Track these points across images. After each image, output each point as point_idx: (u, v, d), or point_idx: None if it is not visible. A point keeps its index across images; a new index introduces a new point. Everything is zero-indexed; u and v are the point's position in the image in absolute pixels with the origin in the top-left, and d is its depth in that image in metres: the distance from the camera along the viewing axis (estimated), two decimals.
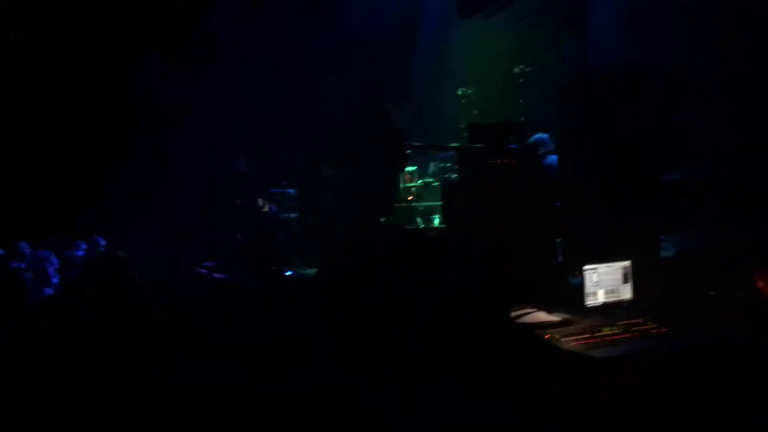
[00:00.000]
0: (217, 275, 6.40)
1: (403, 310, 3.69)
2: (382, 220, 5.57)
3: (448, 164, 6.75)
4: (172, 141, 9.04)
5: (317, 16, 9.12)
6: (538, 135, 5.55)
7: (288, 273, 5.79)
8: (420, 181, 6.88)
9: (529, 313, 3.64)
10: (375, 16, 8.54)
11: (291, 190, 7.42)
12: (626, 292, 3.55)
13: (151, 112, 9.13)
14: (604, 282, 3.54)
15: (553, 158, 5.28)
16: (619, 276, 3.56)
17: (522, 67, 6.54)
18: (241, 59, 9.35)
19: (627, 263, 3.57)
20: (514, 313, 3.59)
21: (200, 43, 9.17)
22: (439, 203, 6.21)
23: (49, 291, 4.70)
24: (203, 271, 6.61)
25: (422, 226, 6.39)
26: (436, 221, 6.33)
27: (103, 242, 6.32)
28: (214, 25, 9.26)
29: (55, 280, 5.05)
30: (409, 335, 3.55)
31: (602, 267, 3.55)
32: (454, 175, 6.41)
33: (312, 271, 5.47)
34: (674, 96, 4.77)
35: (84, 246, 6.11)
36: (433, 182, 6.81)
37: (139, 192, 8.69)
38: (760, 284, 3.54)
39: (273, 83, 9.13)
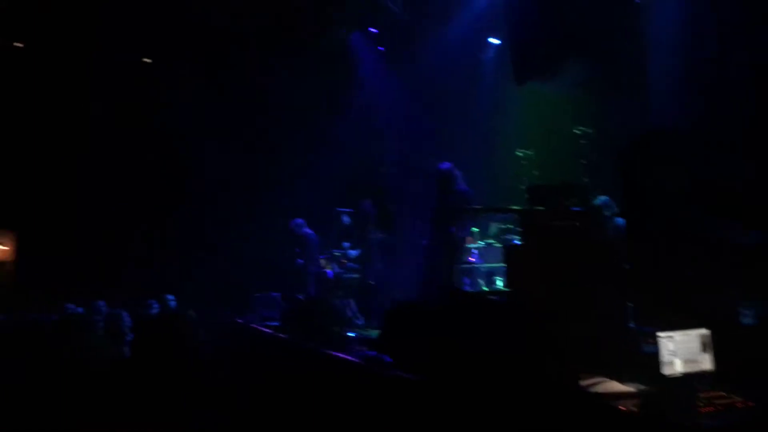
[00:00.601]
0: (280, 335, 6.48)
1: (466, 374, 3.64)
2: (444, 282, 5.56)
3: (509, 225, 6.74)
4: (238, 206, 9.39)
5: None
6: (605, 197, 5.48)
7: (351, 334, 5.81)
8: (482, 242, 6.88)
9: (600, 382, 3.52)
10: (434, 76, 8.79)
11: (352, 252, 7.53)
12: (706, 362, 3.38)
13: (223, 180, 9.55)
14: (682, 351, 3.37)
15: (620, 220, 5.20)
16: (697, 344, 3.40)
17: (582, 128, 6.52)
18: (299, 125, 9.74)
19: (705, 331, 3.41)
20: (584, 382, 3.48)
21: (268, 110, 9.62)
22: (501, 264, 6.17)
23: (124, 348, 4.87)
24: (267, 330, 6.70)
25: (484, 287, 6.35)
26: (499, 283, 6.27)
27: (173, 301, 6.55)
28: (282, 95, 9.70)
29: (128, 338, 5.24)
30: (472, 401, 3.49)
31: (678, 335, 3.40)
32: (516, 237, 6.38)
33: (375, 333, 5.49)
34: (733, 159, 4.66)
35: (156, 305, 6.34)
36: (494, 243, 6.79)
37: (205, 252, 8.99)
38: None
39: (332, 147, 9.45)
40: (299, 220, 8.04)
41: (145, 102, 9.59)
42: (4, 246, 11.15)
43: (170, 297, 6.54)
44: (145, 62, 9.53)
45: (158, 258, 8.85)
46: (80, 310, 5.81)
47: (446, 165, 6.18)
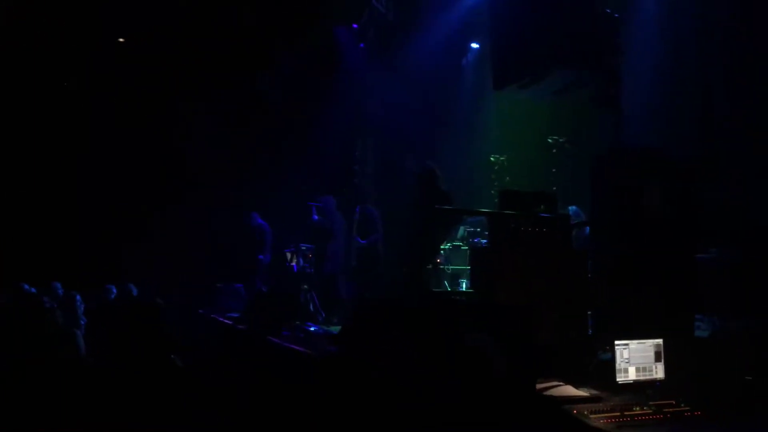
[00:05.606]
0: (240, 326, 6.40)
1: (425, 373, 3.62)
2: (413, 283, 5.53)
3: (477, 229, 6.75)
4: (206, 198, 9.24)
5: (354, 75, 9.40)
6: (574, 207, 5.52)
7: (312, 328, 5.77)
8: (448, 244, 6.87)
9: (556, 386, 3.54)
10: (415, 77, 8.77)
11: None
12: (658, 371, 3.43)
13: (194, 169, 9.39)
14: (636, 359, 3.42)
15: (586, 230, 5.24)
16: (651, 354, 3.45)
17: (556, 138, 6.58)
18: (282, 120, 9.62)
19: (659, 341, 3.46)
20: (540, 385, 3.49)
21: (245, 102, 9.49)
22: (467, 267, 6.17)
23: (78, 332, 4.74)
24: (227, 321, 6.62)
25: (449, 289, 6.34)
26: (464, 285, 6.28)
27: (135, 290, 6.41)
28: (262, 87, 9.58)
29: (82, 322, 5.12)
30: (428, 400, 3.47)
31: (634, 343, 3.45)
32: (484, 240, 6.39)
33: (335, 329, 5.45)
34: (700, 177, 4.74)
35: (114, 290, 6.20)
36: (461, 246, 6.79)
37: (170, 242, 8.82)
38: None
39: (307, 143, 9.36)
40: (254, 213, 8.07)
41: (121, 85, 9.42)
42: None
43: (132, 286, 6.38)
44: (121, 42, 9.35)
45: (119, 244, 8.65)
46: (33, 290, 5.64)
47: (431, 165, 6.04)
